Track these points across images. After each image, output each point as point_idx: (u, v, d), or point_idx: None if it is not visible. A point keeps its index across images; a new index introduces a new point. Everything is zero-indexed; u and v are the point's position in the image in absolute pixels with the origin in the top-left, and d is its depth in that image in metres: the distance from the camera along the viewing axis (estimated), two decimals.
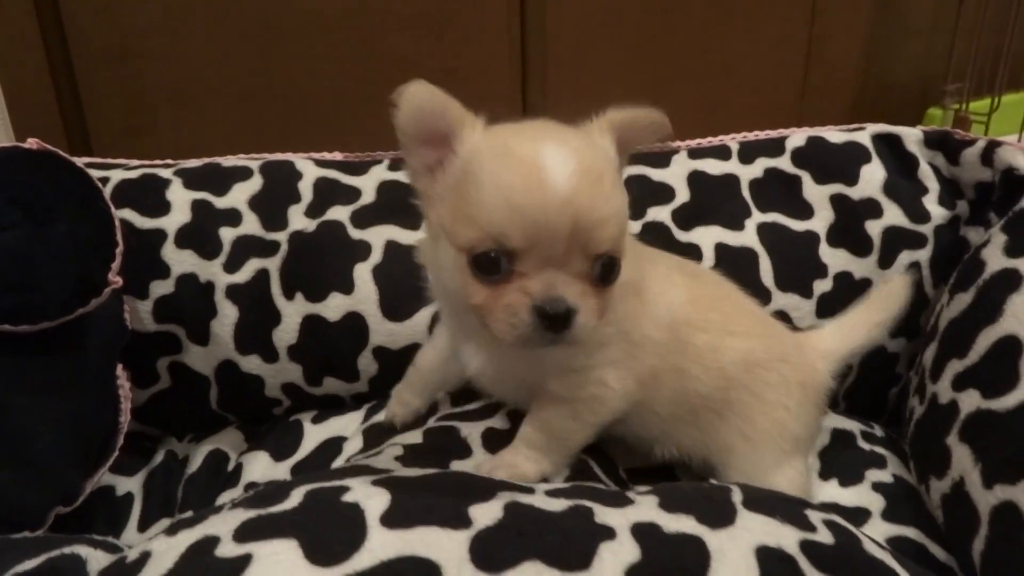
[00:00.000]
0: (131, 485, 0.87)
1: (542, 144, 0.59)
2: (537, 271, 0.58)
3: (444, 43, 1.48)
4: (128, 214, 0.89)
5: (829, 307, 0.93)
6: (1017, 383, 0.71)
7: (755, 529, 0.54)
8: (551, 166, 0.57)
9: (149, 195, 0.92)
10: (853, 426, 0.92)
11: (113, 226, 0.75)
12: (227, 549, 0.51)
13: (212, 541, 0.53)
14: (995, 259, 0.81)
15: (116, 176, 0.93)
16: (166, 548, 0.54)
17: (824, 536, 0.54)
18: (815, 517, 0.57)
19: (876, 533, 0.76)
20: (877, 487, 0.82)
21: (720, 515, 0.55)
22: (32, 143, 0.70)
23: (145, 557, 0.54)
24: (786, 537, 0.53)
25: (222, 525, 0.54)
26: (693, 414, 0.76)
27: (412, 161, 0.64)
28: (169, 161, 0.99)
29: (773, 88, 1.77)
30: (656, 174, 0.98)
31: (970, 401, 0.75)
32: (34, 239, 0.67)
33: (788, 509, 0.57)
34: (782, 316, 0.92)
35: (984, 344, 0.76)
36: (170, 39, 1.36)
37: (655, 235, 0.93)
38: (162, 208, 0.91)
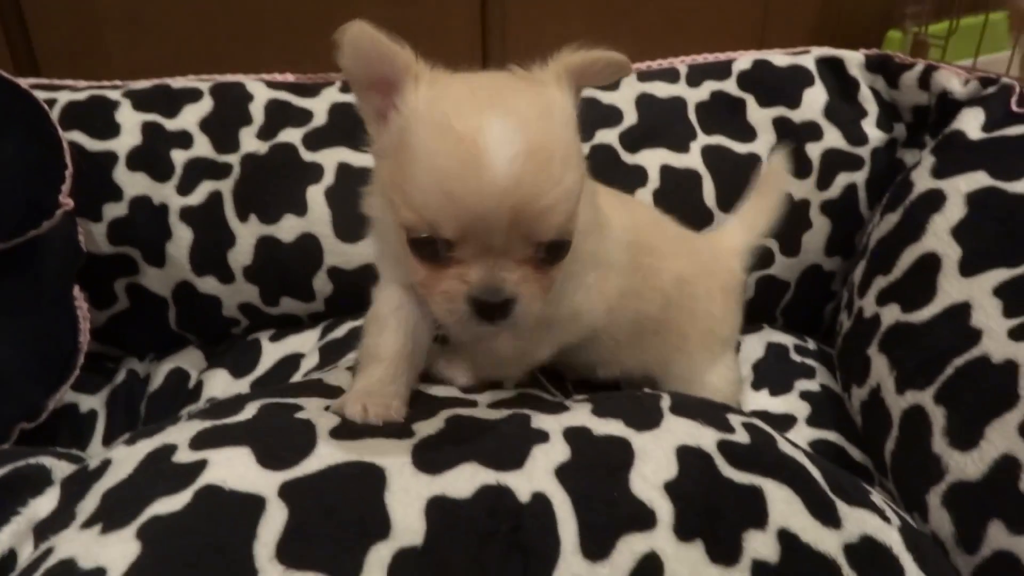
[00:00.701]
0: (94, 403, 0.89)
1: (484, 118, 0.52)
2: (476, 258, 0.54)
3: None
4: (77, 136, 0.89)
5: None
6: (933, 297, 0.76)
7: (678, 431, 0.58)
8: (491, 148, 0.51)
9: (98, 117, 0.91)
10: (788, 340, 0.97)
11: (61, 148, 0.75)
12: (183, 456, 0.55)
13: (170, 449, 0.56)
14: (922, 180, 0.85)
15: (64, 98, 0.92)
16: (125, 456, 0.57)
17: (741, 436, 0.59)
18: (735, 420, 0.62)
19: (800, 437, 0.82)
20: (804, 395, 0.87)
21: (647, 419, 0.60)
22: None
23: (106, 464, 0.57)
24: (705, 437, 0.58)
25: (179, 435, 0.57)
26: (639, 336, 0.78)
27: (362, 105, 0.59)
28: (118, 82, 0.98)
29: (735, 9, 1.76)
30: (606, 97, 0.99)
31: (891, 314, 0.79)
32: None
33: (711, 413, 0.62)
34: None
35: (907, 261, 0.81)
36: None
37: (602, 157, 0.95)
38: (112, 130, 0.91)
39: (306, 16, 1.37)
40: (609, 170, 0.94)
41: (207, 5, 1.37)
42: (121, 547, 0.47)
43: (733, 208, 0.95)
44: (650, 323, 0.78)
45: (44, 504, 0.56)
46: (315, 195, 0.92)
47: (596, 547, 0.49)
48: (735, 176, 0.96)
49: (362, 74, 0.57)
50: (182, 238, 0.91)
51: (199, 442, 0.56)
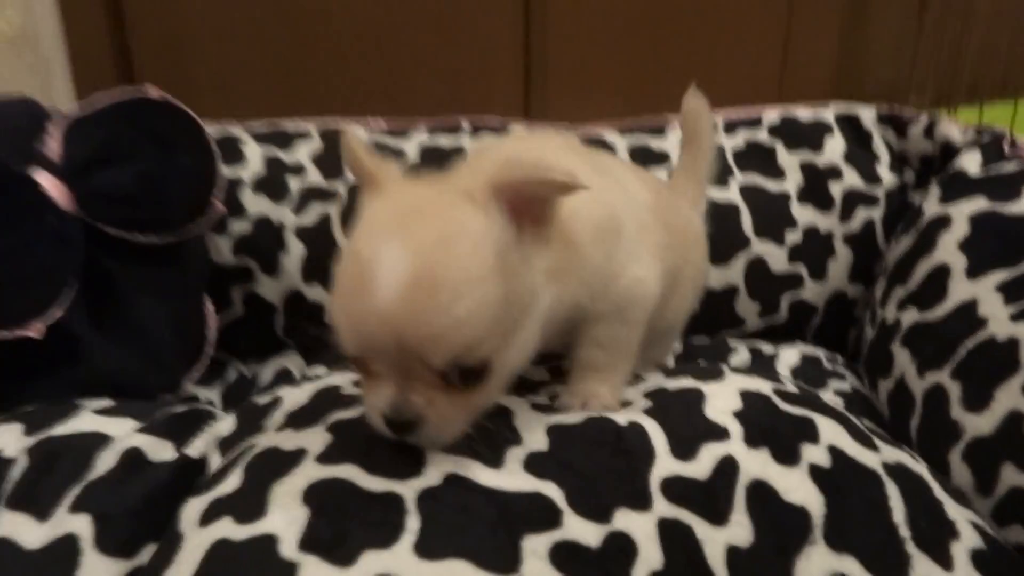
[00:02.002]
0: (212, 395, 1.02)
1: (382, 244, 0.54)
2: (391, 374, 0.55)
3: (452, 44, 1.63)
4: None
5: (799, 254, 1.11)
6: (945, 298, 0.89)
7: (738, 381, 0.71)
8: (379, 274, 0.52)
9: (227, 149, 1.07)
10: (820, 353, 1.10)
11: (216, 162, 0.91)
12: (349, 390, 0.68)
13: (335, 387, 0.69)
14: (931, 207, 0.99)
15: None
16: (297, 393, 0.70)
17: (791, 388, 0.72)
18: (784, 379, 0.74)
19: None
20: (837, 392, 0.99)
21: (712, 376, 0.72)
22: (155, 93, 0.86)
23: (277, 400, 0.70)
24: (762, 385, 0.70)
25: (340, 379, 0.71)
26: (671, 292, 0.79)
27: None
28: (235, 122, 1.14)
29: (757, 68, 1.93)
30: (655, 143, 1.15)
31: (909, 316, 0.93)
32: (164, 166, 0.83)
33: (765, 374, 0.75)
34: (760, 261, 1.10)
35: (922, 272, 0.95)
36: (216, 28, 1.53)
37: None
38: (239, 159, 1.07)
39: (379, 76, 1.55)
40: None
41: (291, 69, 1.56)
42: (318, 436, 0.60)
43: (767, 236, 1.10)
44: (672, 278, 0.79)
45: (224, 426, 0.69)
46: None
47: (683, 451, 0.61)
48: (768, 209, 1.11)
49: (353, 173, 0.63)
50: (295, 251, 1.06)
51: (358, 383, 0.69)
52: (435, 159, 1.11)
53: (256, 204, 1.06)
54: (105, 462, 0.63)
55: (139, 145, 0.82)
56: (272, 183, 1.07)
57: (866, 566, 0.57)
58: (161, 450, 0.65)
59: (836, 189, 1.12)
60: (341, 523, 0.53)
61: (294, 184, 1.08)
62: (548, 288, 0.61)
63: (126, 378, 0.82)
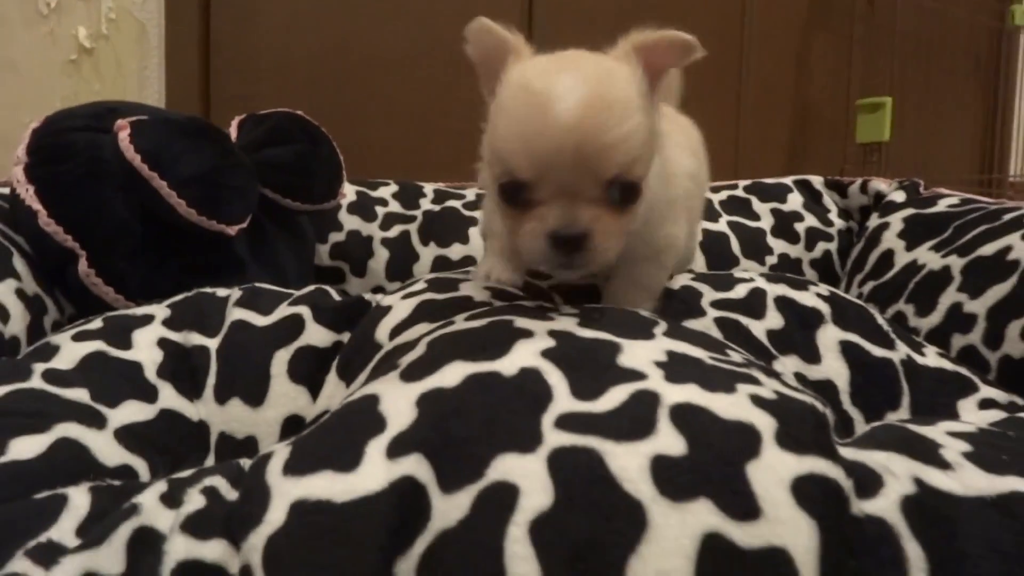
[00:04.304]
0: None
1: (554, 76, 0.61)
2: (553, 199, 0.61)
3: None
4: None
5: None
6: (894, 267, 1.18)
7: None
8: (557, 96, 0.60)
9: None
10: None
11: (341, 165, 1.19)
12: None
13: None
14: (873, 222, 1.32)
15: None
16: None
17: None
18: None
19: None
20: None
21: None
22: (299, 113, 1.16)
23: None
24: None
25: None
26: None
27: (483, 88, 0.70)
28: None
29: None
30: None
31: (868, 287, 1.21)
32: (312, 150, 1.11)
33: None
34: None
35: (873, 258, 1.25)
36: None
37: None
38: None
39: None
40: None
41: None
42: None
43: (751, 258, 1.40)
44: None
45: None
46: (473, 234, 1.34)
47: (722, 289, 0.86)
48: (750, 239, 1.42)
49: (477, 59, 0.69)
50: (381, 256, 1.31)
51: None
52: None
53: (350, 221, 1.33)
54: (299, 295, 0.84)
55: (295, 134, 1.11)
56: (362, 207, 1.35)
57: (865, 338, 0.81)
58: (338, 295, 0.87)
59: (800, 227, 1.44)
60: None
61: (380, 210, 1.36)
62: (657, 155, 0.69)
63: None
